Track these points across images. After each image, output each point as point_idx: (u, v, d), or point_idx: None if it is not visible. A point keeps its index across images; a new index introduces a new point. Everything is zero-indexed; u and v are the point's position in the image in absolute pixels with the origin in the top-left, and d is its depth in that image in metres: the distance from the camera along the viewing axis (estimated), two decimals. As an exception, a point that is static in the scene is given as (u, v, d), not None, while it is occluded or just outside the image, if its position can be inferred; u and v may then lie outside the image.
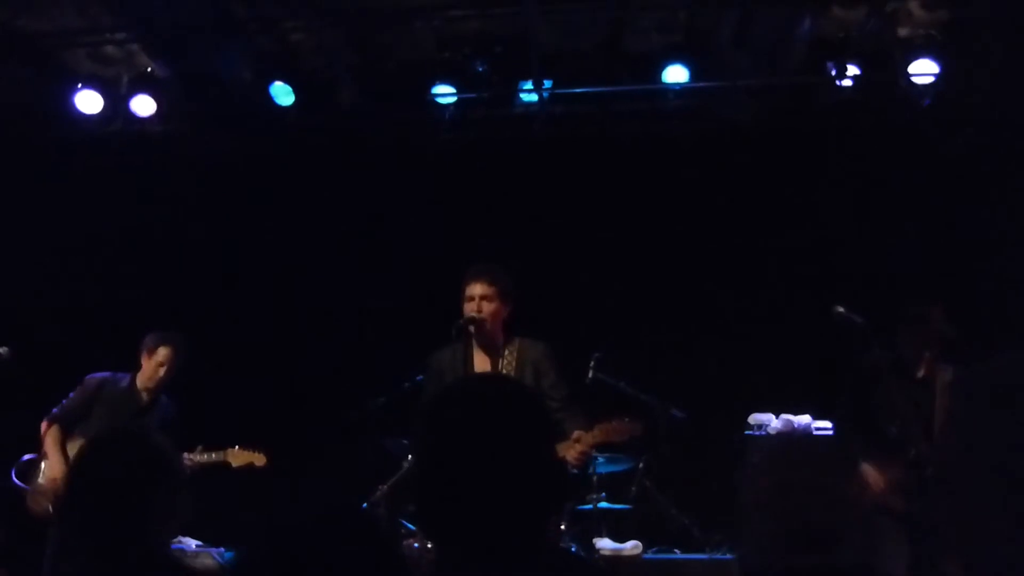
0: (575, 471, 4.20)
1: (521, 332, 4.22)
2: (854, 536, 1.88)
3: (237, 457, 4.96)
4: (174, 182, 6.42)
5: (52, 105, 6.09)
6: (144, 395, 5.01)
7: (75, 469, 2.18)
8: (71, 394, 5.01)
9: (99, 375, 5.05)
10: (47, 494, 4.84)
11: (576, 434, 3.92)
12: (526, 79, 6.00)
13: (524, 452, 1.54)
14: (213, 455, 5.00)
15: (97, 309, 6.43)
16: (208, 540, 5.60)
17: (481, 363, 4.12)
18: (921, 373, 4.32)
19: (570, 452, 3.90)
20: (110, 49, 5.97)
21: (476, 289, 4.08)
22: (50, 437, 4.91)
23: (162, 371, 4.96)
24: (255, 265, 6.58)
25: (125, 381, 5.02)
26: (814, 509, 1.86)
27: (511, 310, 4.15)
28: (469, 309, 4.05)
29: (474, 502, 1.49)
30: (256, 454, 4.98)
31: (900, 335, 4.38)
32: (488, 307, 4.06)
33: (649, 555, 5.42)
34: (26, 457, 5.03)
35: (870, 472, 4.09)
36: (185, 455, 4.86)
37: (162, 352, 4.97)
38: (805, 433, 5.06)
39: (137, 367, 5.05)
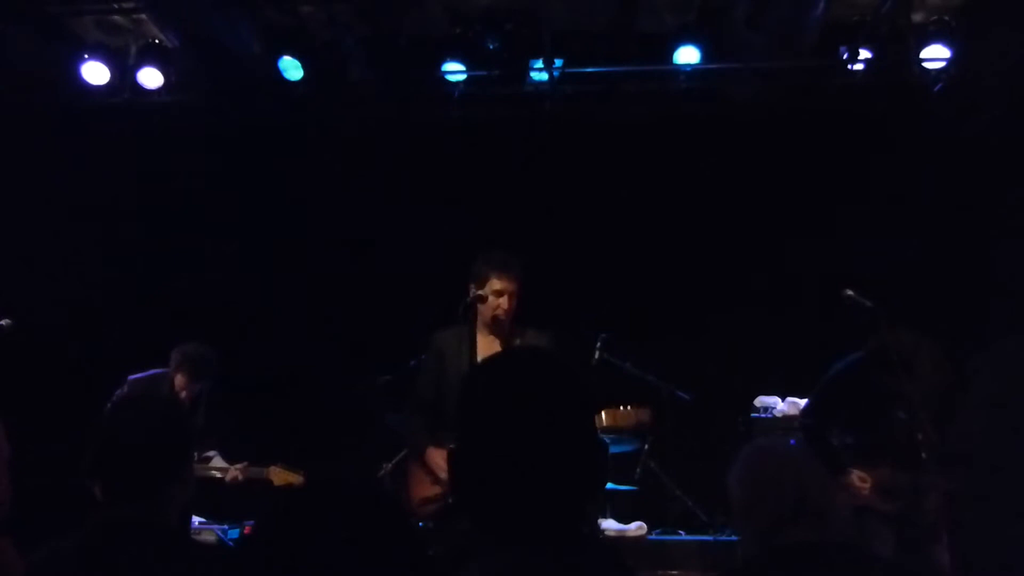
0: None
1: (529, 315, 4.18)
2: (834, 517, 2.01)
3: (278, 476, 5.03)
4: (181, 155, 6.37)
5: (59, 75, 6.02)
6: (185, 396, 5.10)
7: (102, 436, 2.16)
8: (118, 393, 5.02)
9: (142, 376, 5.07)
10: None
11: None
12: (537, 57, 5.95)
13: (567, 430, 1.48)
14: (257, 471, 5.07)
15: (102, 282, 6.39)
16: (210, 517, 5.62)
17: (486, 347, 4.09)
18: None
19: None
20: (118, 18, 5.90)
21: (505, 285, 3.97)
22: None
23: (184, 394, 5.03)
24: (262, 238, 6.54)
25: (165, 384, 5.04)
26: (788, 504, 2.04)
27: None
28: (495, 304, 3.98)
29: (514, 483, 1.44)
30: (295, 474, 5.04)
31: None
32: (513, 304, 4.02)
33: (653, 536, 5.44)
34: None
35: (857, 477, 4.11)
36: (231, 469, 5.03)
37: (179, 379, 5.03)
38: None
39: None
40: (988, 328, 5.18)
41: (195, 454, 4.84)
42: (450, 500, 3.93)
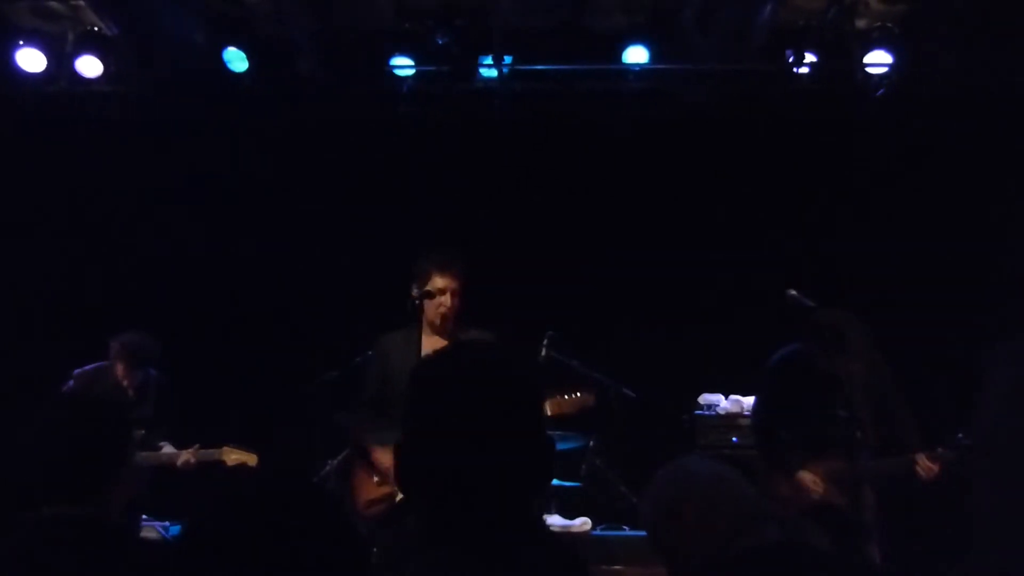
0: None
1: (477, 311, 4.16)
2: (768, 524, 1.99)
3: (231, 456, 5.05)
4: (120, 146, 6.22)
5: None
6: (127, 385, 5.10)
7: (39, 435, 2.11)
8: (64, 388, 4.98)
9: (87, 369, 5.08)
10: None
11: None
12: (487, 54, 5.93)
13: (513, 425, 1.48)
14: (209, 453, 5.08)
15: (34, 274, 6.22)
16: (152, 514, 5.52)
17: (431, 348, 4.07)
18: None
19: None
20: (54, 4, 5.71)
21: (447, 283, 3.96)
22: None
23: (126, 382, 5.05)
24: (203, 234, 6.41)
25: (110, 375, 5.05)
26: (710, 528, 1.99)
27: None
28: (438, 303, 3.96)
29: (460, 478, 1.43)
30: (249, 454, 5.07)
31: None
32: (456, 303, 4.00)
33: (598, 531, 5.48)
34: None
35: (806, 477, 4.20)
36: (182, 453, 5.05)
37: (119, 368, 5.05)
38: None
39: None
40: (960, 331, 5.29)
41: (146, 445, 4.92)
42: (397, 500, 3.93)
